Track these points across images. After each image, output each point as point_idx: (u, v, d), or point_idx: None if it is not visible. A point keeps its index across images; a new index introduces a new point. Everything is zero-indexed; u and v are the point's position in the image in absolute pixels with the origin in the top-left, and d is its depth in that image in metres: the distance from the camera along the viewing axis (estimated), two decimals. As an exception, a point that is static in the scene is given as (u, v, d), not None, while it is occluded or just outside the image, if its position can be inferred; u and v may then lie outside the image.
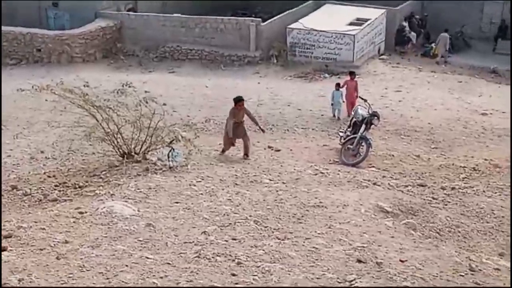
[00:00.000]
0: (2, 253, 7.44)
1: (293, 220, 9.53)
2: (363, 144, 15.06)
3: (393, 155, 15.85)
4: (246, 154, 14.49)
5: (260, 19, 27.80)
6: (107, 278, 6.83)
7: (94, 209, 9.40)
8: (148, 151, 13.32)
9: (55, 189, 11.77)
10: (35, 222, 8.90)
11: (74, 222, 8.89)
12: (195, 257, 7.68)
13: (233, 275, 7.15)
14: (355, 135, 15.32)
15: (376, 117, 15.66)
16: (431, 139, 17.96)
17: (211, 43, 27.75)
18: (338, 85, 19.36)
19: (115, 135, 13.19)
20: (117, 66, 27.06)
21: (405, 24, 29.13)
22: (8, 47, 26.76)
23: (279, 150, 15.92)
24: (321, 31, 26.83)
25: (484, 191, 12.11)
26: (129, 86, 13.09)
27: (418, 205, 10.78)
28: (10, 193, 11.60)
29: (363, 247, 8.23)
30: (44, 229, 8.57)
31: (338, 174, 13.15)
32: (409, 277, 7.23)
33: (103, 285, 6.61)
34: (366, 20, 27.53)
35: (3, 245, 7.67)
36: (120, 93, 12.99)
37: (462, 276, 7.64)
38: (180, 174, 12.04)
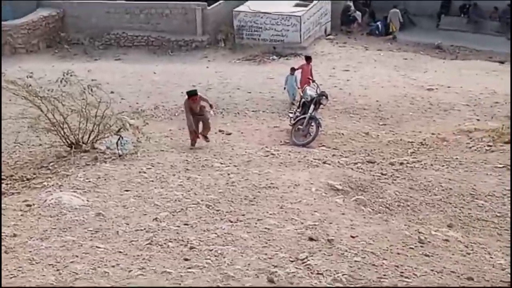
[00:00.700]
0: None
1: (245, 202, 9.55)
2: (312, 124, 15.14)
3: (342, 134, 16.00)
4: (205, 136, 14.34)
5: (205, 3, 27.55)
6: (57, 270, 6.73)
7: (42, 201, 9.24)
8: (97, 140, 13.12)
9: (2, 183, 11.49)
10: (-18, 217, 8.70)
11: (22, 215, 8.73)
12: (147, 244, 7.63)
13: (186, 260, 7.13)
14: (304, 116, 15.38)
15: (324, 97, 15.75)
16: (379, 116, 18.17)
17: (157, 29, 27.37)
18: (293, 69, 19.23)
19: (61, 125, 12.96)
20: (62, 56, 26.50)
21: (350, 3, 29.28)
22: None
23: (230, 134, 15.89)
24: (267, 13, 26.75)
25: (431, 165, 12.32)
26: (71, 75, 12.83)
27: (368, 181, 10.91)
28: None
29: (315, 225, 8.31)
30: (-9, 223, 8.39)
31: (289, 154, 13.21)
32: (359, 252, 7.34)
33: (54, 277, 6.51)
34: (312, 1, 27.57)
35: None
36: (64, 82, 12.72)
37: (412, 248, 7.79)
38: (130, 162, 11.92)
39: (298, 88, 18.91)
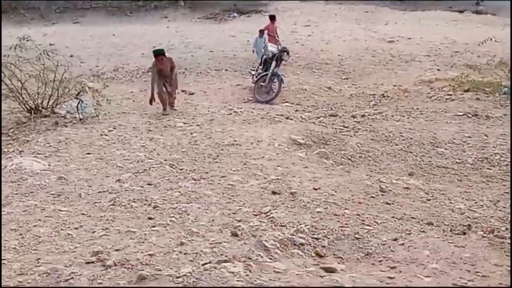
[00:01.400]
0: None
1: (209, 160, 9.56)
2: (275, 80, 15.11)
3: (305, 89, 16.04)
4: (171, 104, 13.47)
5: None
6: (20, 234, 6.68)
7: (2, 167, 9.11)
8: (56, 104, 12.95)
9: (-40, 151, 11.32)
10: None
11: (-19, 182, 8.60)
12: (110, 205, 7.60)
13: (150, 218, 7.12)
14: (266, 73, 15.34)
15: (285, 53, 15.69)
16: (341, 70, 18.27)
17: (115, -10, 26.97)
18: (261, 32, 18.96)
19: (20, 91, 12.75)
20: (18, 21, 25.98)
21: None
22: None
23: (192, 94, 15.80)
24: (226, -31, 26.48)
25: (392, 116, 12.45)
26: (27, 40, 12.56)
27: (330, 134, 10.99)
28: None
29: (278, 179, 8.36)
30: (-50, 192, 8.27)
31: (252, 112, 13.22)
32: (322, 203, 7.41)
33: (16, 241, 6.46)
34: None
35: None
36: (19, 48, 12.46)
37: (373, 197, 7.89)
38: (91, 125, 11.81)
39: None
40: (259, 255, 5.82)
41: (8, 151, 10.28)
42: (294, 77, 17.28)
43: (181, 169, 9.09)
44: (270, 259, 5.82)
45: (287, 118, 12.51)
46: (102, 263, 5.71)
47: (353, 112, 13.14)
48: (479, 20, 24.79)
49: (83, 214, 7.34)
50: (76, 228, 6.83)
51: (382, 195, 8.00)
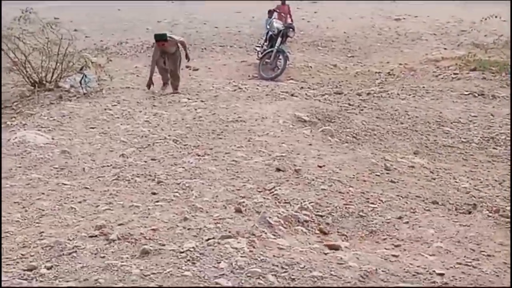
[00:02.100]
0: None
1: (213, 136, 9.51)
2: (280, 57, 14.99)
3: (310, 67, 15.95)
4: (174, 88, 12.84)
5: None
6: (23, 207, 6.66)
7: (5, 141, 9.07)
8: (60, 78, 12.88)
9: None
10: None
11: (-15, 155, 8.57)
12: (114, 179, 7.57)
13: (154, 193, 7.10)
14: (272, 49, 15.22)
15: (291, 29, 15.58)
16: (347, 48, 18.14)
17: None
18: (270, 12, 18.52)
19: (24, 64, 12.67)
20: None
21: None
22: None
23: (197, 69, 15.73)
24: None
25: (398, 94, 12.37)
26: (30, 13, 12.44)
27: (335, 112, 10.92)
28: None
29: (282, 156, 8.31)
30: (-46, 165, 8.25)
31: (257, 88, 13.14)
32: (326, 181, 7.37)
33: (19, 214, 6.45)
34: None
35: None
36: (23, 19, 12.35)
37: (378, 175, 7.85)
38: (95, 100, 11.76)
39: None
40: (263, 231, 5.80)
41: (11, 124, 10.23)
42: (300, 55, 17.17)
43: (185, 145, 9.05)
44: (274, 235, 5.80)
45: (292, 95, 12.43)
46: (106, 237, 5.70)
47: (359, 90, 13.05)
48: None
49: (86, 188, 7.32)
50: (80, 202, 6.81)
51: (387, 173, 7.96)
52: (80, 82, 12.39)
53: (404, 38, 18.76)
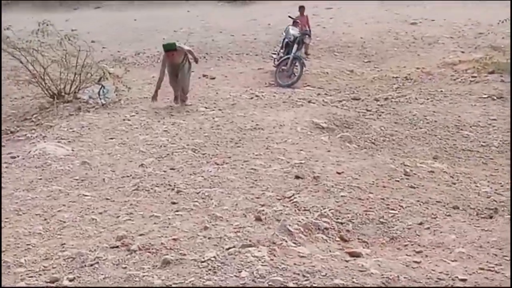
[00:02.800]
0: None
1: (231, 144, 9.53)
2: (296, 64, 15.00)
3: (327, 73, 15.94)
4: (182, 100, 12.47)
5: None
6: (45, 219, 6.72)
7: (26, 153, 9.18)
8: (79, 89, 13.00)
9: (-16, 137, 11.41)
10: (-33, 172, 8.65)
11: (6, 167, 8.66)
12: (134, 190, 7.61)
13: (173, 203, 7.12)
14: (288, 56, 15.23)
15: (307, 36, 15.61)
16: (363, 53, 18.10)
17: (136, -25, 26.91)
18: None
19: (42, 77, 12.81)
20: (41, 6, 26.02)
21: None
22: None
23: (214, 78, 15.76)
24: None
25: (416, 99, 12.31)
26: (47, 25, 12.57)
27: (353, 118, 10.90)
28: None
29: (301, 163, 8.30)
30: (-24, 178, 8.35)
31: (274, 96, 13.15)
32: (346, 187, 7.35)
33: (41, 226, 6.51)
34: None
35: None
36: (41, 32, 12.48)
37: (398, 181, 7.82)
38: (114, 110, 11.83)
39: None
40: (283, 239, 5.79)
41: (31, 136, 10.34)
42: (316, 61, 17.16)
43: (203, 154, 9.07)
44: (294, 243, 5.79)
45: (309, 101, 12.43)
46: (127, 247, 5.73)
47: (376, 95, 13.01)
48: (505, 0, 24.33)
49: (107, 199, 7.37)
50: (100, 213, 6.86)
51: (407, 179, 7.93)
52: (99, 93, 12.49)
53: (421, 42, 18.66)
